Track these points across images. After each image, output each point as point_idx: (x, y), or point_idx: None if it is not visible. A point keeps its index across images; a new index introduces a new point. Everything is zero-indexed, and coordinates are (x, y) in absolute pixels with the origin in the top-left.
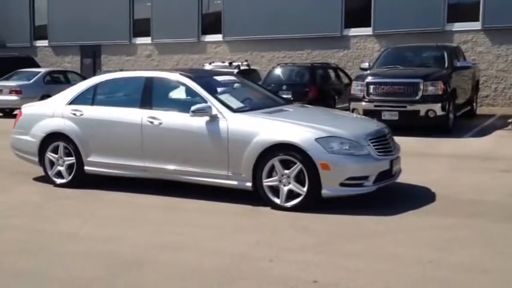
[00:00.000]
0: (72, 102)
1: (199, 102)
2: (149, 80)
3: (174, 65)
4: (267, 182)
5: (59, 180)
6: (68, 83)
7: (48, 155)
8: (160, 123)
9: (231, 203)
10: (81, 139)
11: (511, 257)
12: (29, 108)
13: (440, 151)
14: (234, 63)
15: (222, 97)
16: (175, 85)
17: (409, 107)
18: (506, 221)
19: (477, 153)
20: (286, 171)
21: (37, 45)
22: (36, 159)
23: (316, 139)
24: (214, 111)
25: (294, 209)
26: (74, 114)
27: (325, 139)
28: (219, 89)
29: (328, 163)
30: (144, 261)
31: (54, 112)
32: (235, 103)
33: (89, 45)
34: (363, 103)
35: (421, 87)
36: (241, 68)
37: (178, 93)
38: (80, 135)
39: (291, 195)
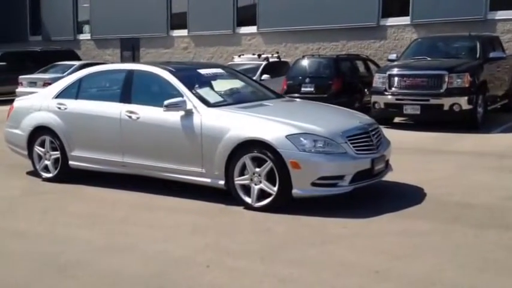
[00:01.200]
0: (58, 96)
1: (177, 97)
2: (130, 73)
3: (210, 58)
4: (238, 181)
5: (45, 175)
6: None
7: (36, 148)
8: (138, 118)
9: (206, 201)
10: (65, 133)
11: (467, 268)
12: (20, 102)
13: (456, 148)
14: (263, 55)
15: (201, 91)
16: (154, 78)
17: (432, 101)
18: (486, 227)
19: (497, 150)
20: (257, 170)
21: (80, 38)
22: (26, 152)
23: (287, 136)
24: (189, 106)
25: (265, 209)
26: (59, 108)
27: (296, 136)
28: (201, 83)
29: (299, 161)
30: (80, 264)
31: (41, 106)
32: (214, 97)
33: (129, 38)
34: (384, 96)
35: (446, 79)
36: (270, 60)
37: (157, 87)
38: (64, 129)
39: (263, 194)
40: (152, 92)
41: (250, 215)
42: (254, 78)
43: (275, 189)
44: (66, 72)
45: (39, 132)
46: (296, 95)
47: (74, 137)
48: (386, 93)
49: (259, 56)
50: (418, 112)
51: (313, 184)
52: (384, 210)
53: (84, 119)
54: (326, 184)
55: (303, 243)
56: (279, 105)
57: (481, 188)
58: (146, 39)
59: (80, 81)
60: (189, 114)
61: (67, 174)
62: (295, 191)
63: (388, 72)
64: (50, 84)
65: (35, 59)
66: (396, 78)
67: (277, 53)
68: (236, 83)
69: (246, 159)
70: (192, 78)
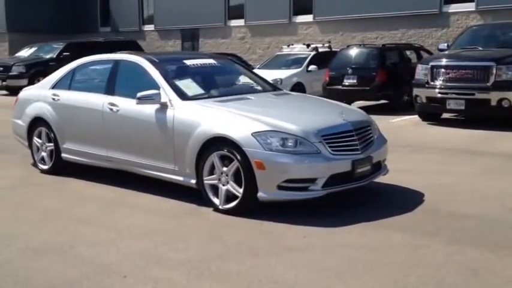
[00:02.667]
0: (54, 86)
1: (156, 88)
2: (115, 64)
3: (265, 48)
4: (207, 180)
5: (42, 166)
6: None
7: (34, 140)
8: (118, 110)
9: (181, 200)
10: (57, 125)
11: None
12: (24, 92)
13: (493, 149)
14: (312, 45)
15: (181, 83)
16: (136, 69)
17: (478, 95)
18: (466, 244)
19: None
20: (225, 169)
21: (145, 29)
22: (27, 143)
23: (253, 133)
24: (164, 99)
25: (232, 212)
26: (53, 99)
27: (263, 133)
28: (184, 74)
29: (263, 162)
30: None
31: (39, 96)
32: (194, 90)
33: (189, 28)
34: (426, 89)
35: (494, 71)
36: (320, 50)
37: (139, 78)
38: (56, 120)
39: (232, 196)
40: (134, 83)
41: (215, 219)
42: (301, 69)
43: (241, 191)
44: None
45: (37, 123)
46: (338, 87)
47: (65, 129)
48: (428, 86)
49: (307, 45)
50: (463, 107)
51: (280, 187)
52: (361, 218)
53: (73, 110)
54: (295, 187)
55: (246, 254)
56: (262, 99)
57: (492, 196)
58: (205, 30)
59: (73, 71)
60: (163, 107)
61: (61, 167)
62: (260, 194)
63: (430, 63)
64: None
65: (98, 50)
66: (439, 70)
67: (329, 42)
68: (227, 75)
69: (214, 157)
70: (175, 69)
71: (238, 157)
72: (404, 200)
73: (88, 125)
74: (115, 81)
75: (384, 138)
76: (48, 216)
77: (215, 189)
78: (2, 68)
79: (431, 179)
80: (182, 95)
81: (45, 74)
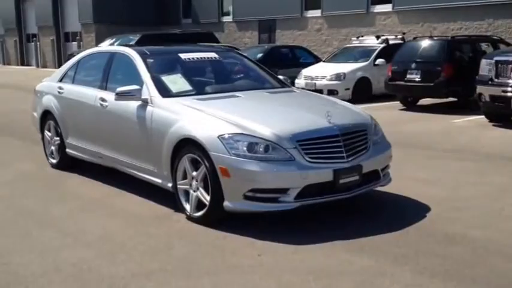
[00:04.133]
0: (61, 79)
1: (140, 83)
2: (111, 57)
3: (342, 40)
4: (180, 185)
5: (51, 160)
6: None
7: (45, 133)
8: (106, 106)
9: (162, 204)
10: (61, 119)
11: None
12: (40, 84)
13: None
14: (383, 37)
15: (167, 78)
16: (128, 62)
17: None
18: (435, 275)
19: None
20: (195, 174)
21: (223, 21)
22: (41, 136)
23: (220, 136)
24: (144, 95)
25: (201, 221)
26: (59, 92)
27: (230, 137)
28: (175, 69)
29: (228, 168)
30: None
31: (49, 89)
32: (180, 86)
33: (266, 19)
34: (490, 87)
35: None
36: (391, 42)
37: (129, 72)
38: (61, 114)
39: (203, 203)
40: (124, 77)
41: (180, 227)
42: (367, 63)
43: (208, 198)
44: None
45: (47, 116)
46: (400, 83)
47: (68, 124)
48: (491, 83)
49: (377, 37)
50: None
51: (246, 197)
52: (338, 235)
53: (73, 104)
54: (263, 198)
55: (181, 273)
56: (252, 97)
57: (510, 216)
58: (282, 21)
59: (77, 64)
60: (145, 104)
61: (67, 162)
62: (226, 204)
63: (495, 58)
64: None
65: (173, 42)
66: (504, 66)
67: (403, 34)
68: (226, 70)
69: (185, 160)
70: (166, 63)
71: (206, 162)
72: (402, 216)
73: (84, 121)
74: (108, 75)
75: (387, 144)
76: (19, 217)
77: (188, 194)
78: None
79: (449, 191)
80: (164, 91)
81: None
